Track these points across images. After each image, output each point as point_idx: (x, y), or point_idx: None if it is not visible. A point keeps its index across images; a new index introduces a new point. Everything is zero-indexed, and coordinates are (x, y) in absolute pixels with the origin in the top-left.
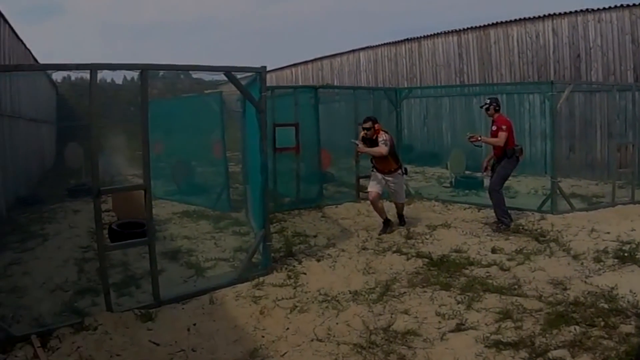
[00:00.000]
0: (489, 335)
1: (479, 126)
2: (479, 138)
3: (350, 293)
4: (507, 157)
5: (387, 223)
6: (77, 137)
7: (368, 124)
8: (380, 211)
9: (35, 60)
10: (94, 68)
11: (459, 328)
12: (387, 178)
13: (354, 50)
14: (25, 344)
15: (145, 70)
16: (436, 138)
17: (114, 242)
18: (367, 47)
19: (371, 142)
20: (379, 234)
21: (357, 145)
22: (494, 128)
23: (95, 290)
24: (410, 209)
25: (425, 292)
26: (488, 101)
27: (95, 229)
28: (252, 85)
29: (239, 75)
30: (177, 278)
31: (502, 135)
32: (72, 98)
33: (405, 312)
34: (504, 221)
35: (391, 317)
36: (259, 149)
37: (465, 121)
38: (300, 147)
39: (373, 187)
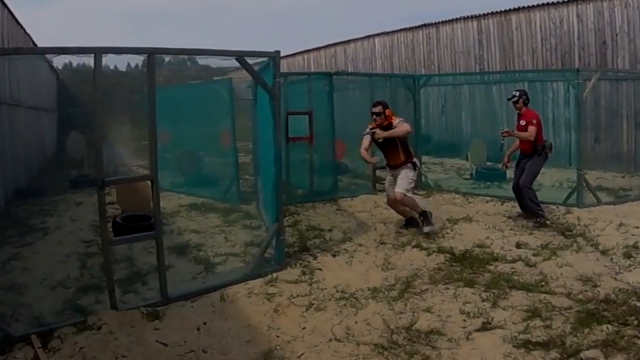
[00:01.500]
0: (517, 334)
1: (500, 116)
2: (512, 133)
3: (369, 290)
4: (537, 153)
5: (424, 215)
6: (79, 126)
7: (378, 108)
8: (415, 205)
9: (35, 45)
10: (98, 52)
11: (485, 327)
12: (394, 172)
13: (368, 36)
14: (24, 345)
15: (152, 54)
16: (455, 128)
17: (119, 236)
18: (383, 33)
19: (381, 129)
20: (400, 228)
21: (374, 132)
22: (522, 122)
23: (99, 287)
24: (429, 201)
25: (448, 289)
26: (517, 93)
27: (99, 222)
28: (265, 71)
29: (250, 61)
30: (185, 274)
31: (532, 129)
32: (74, 85)
33: (428, 310)
34: (541, 214)
35: (413, 315)
36: (273, 138)
37: (485, 110)
38: (314, 136)
39: (389, 192)
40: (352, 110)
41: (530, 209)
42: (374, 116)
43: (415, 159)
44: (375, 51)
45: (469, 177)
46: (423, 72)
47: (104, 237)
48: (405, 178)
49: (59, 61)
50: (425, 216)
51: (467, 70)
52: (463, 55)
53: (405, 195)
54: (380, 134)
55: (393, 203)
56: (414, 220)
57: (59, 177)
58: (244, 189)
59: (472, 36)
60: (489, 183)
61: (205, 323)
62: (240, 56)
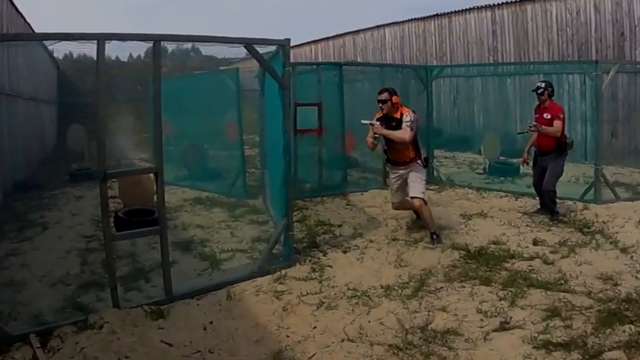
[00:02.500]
0: (536, 334)
1: (514, 109)
2: (541, 128)
3: (381, 288)
4: (559, 151)
5: (438, 233)
6: (80, 117)
7: (384, 96)
8: (430, 218)
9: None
10: (101, 38)
11: (504, 327)
12: (400, 171)
13: (379, 26)
14: (23, 344)
15: (158, 41)
16: (467, 121)
17: (121, 231)
18: (393, 23)
19: (387, 120)
20: (412, 224)
21: (373, 125)
22: (547, 116)
23: (101, 285)
24: (441, 196)
25: (463, 287)
26: (542, 85)
27: (101, 216)
28: (274, 60)
29: (259, 50)
30: (190, 271)
31: (558, 124)
32: (75, 76)
33: (443, 309)
34: (558, 211)
35: (428, 314)
36: (282, 129)
37: (499, 103)
38: (323, 128)
39: (394, 197)
40: (362, 102)
41: (547, 206)
42: (380, 104)
43: (424, 156)
44: (385, 42)
45: (481, 171)
46: (435, 64)
47: (106, 232)
48: (418, 180)
49: (59, 51)
50: (437, 236)
51: (480, 61)
52: (476, 47)
53: (423, 201)
54: (379, 129)
55: (401, 206)
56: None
57: (59, 171)
58: (250, 182)
59: (485, 27)
60: (502, 178)
61: (211, 322)
62: (248, 44)
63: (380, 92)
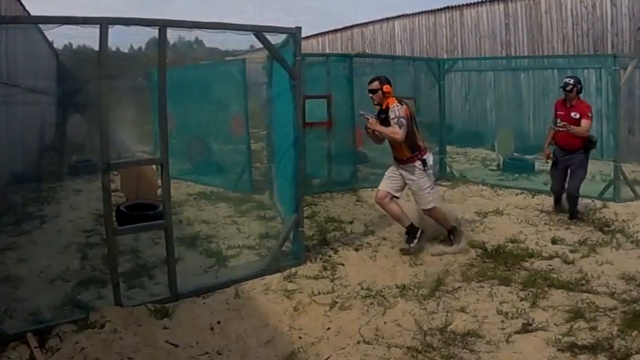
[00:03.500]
0: (560, 337)
1: (527, 104)
2: (569, 128)
3: (397, 287)
4: (586, 150)
5: (412, 232)
6: (80, 108)
7: (374, 84)
8: (398, 216)
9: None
10: (104, 23)
11: (526, 329)
12: (400, 170)
13: (388, 19)
14: (19, 344)
15: (164, 27)
16: (479, 116)
17: (122, 225)
18: (403, 15)
19: (384, 115)
20: (401, 250)
21: (369, 119)
22: (576, 115)
23: (102, 281)
24: (455, 193)
25: (482, 287)
26: (571, 81)
27: (104, 209)
28: (283, 50)
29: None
30: (196, 268)
31: (587, 123)
32: (75, 66)
33: (462, 309)
34: (578, 210)
35: (447, 315)
36: (293, 122)
37: (512, 98)
38: (333, 122)
39: (382, 185)
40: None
41: (569, 209)
42: (370, 94)
43: (426, 156)
44: (394, 35)
45: (495, 168)
46: (445, 58)
47: (109, 226)
48: (420, 190)
49: (59, 42)
50: (456, 232)
51: (493, 55)
52: (488, 40)
53: (436, 208)
54: (373, 124)
55: (385, 202)
56: (416, 231)
57: (58, 163)
58: (257, 177)
59: (498, 20)
60: (517, 175)
61: (219, 322)
62: (258, 31)
63: (371, 81)
